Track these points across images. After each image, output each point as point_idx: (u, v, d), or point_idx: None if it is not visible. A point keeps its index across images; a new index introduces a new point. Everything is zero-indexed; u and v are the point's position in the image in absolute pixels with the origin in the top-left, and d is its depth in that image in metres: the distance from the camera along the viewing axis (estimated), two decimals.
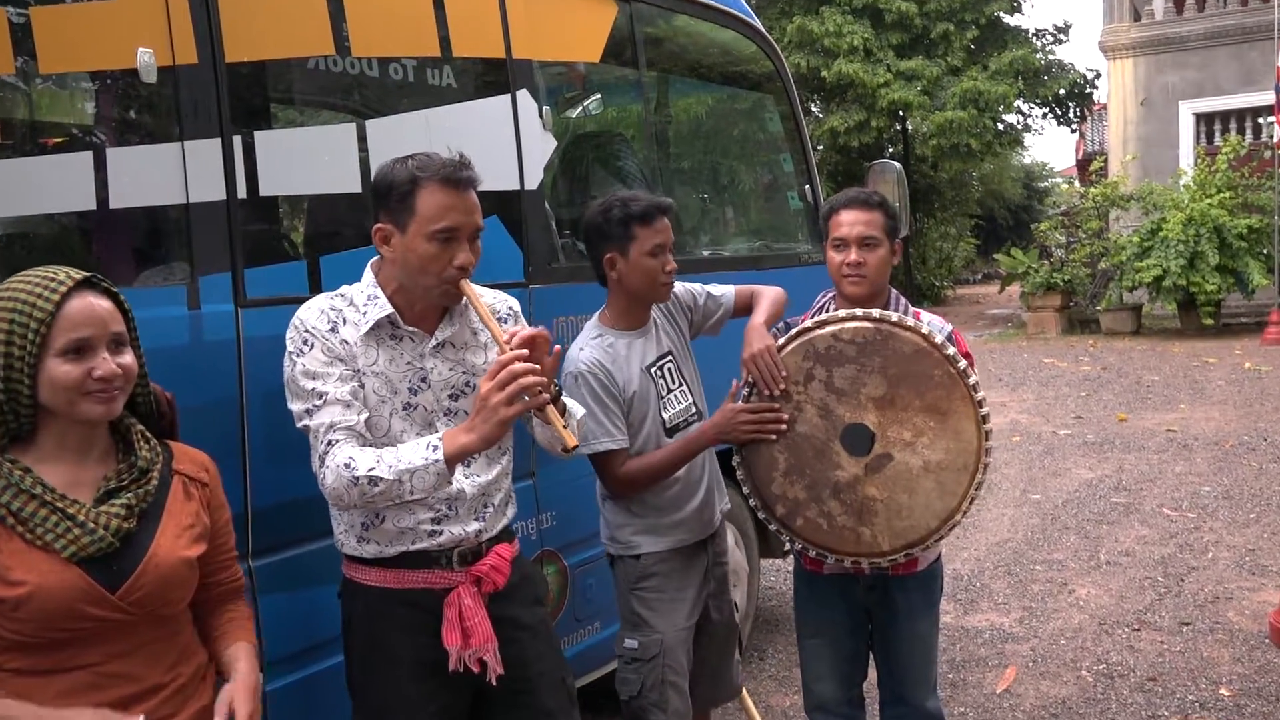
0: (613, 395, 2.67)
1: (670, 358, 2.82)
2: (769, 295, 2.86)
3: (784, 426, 2.57)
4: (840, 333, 2.57)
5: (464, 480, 2.22)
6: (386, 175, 2.15)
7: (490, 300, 2.33)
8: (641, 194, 2.74)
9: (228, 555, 1.99)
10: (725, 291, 2.96)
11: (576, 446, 2.02)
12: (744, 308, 2.87)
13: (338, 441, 2.08)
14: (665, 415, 2.76)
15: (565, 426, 2.02)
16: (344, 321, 2.18)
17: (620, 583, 2.82)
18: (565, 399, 2.30)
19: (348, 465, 2.05)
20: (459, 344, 2.25)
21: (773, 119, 4.88)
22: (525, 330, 2.11)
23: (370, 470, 2.04)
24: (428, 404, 2.20)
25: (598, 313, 2.82)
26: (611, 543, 2.83)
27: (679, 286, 2.90)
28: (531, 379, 2.01)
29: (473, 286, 2.15)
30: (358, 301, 2.20)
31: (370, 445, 2.13)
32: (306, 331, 2.15)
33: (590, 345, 2.72)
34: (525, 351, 2.05)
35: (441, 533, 2.20)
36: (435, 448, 2.05)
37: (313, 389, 2.12)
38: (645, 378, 2.73)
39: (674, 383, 2.81)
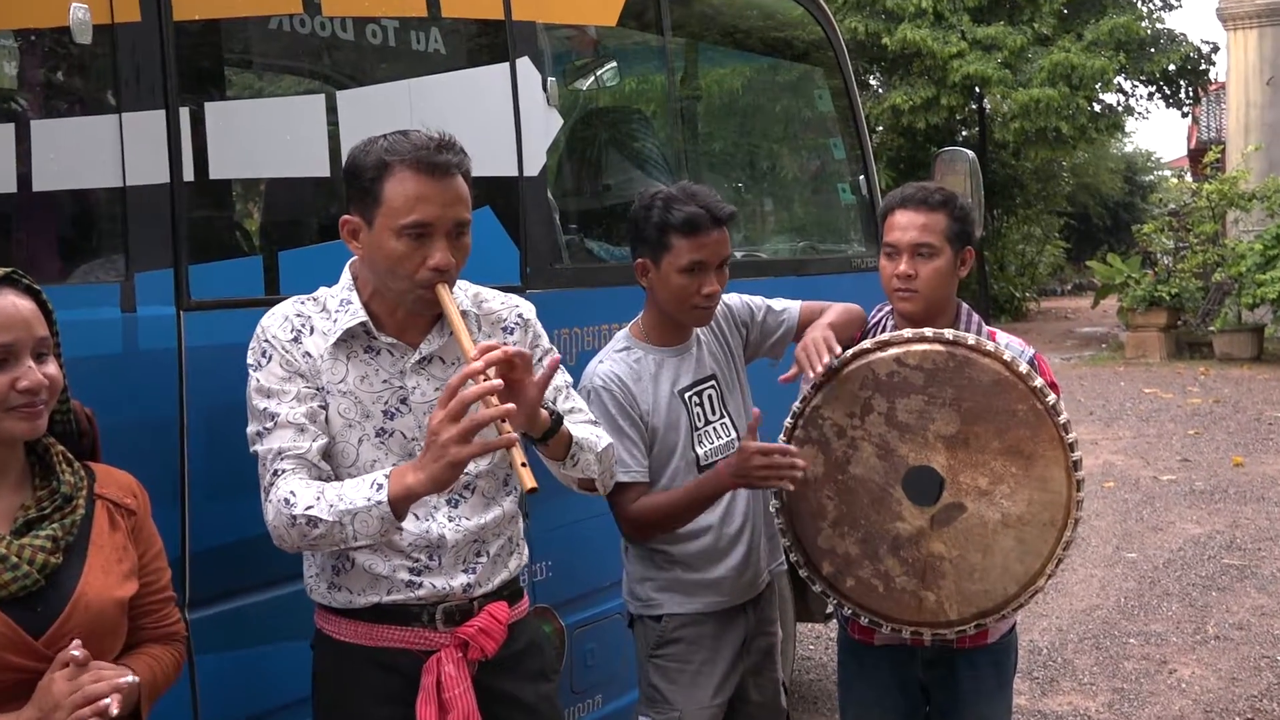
0: (631, 418, 2.67)
1: (712, 384, 2.81)
2: (839, 308, 2.86)
3: (798, 474, 2.54)
4: (905, 356, 2.56)
5: (446, 525, 2.22)
6: (354, 158, 2.17)
7: (496, 306, 2.33)
8: (701, 192, 2.68)
9: (160, 595, 1.99)
10: (789, 306, 2.94)
11: (536, 489, 1.97)
12: (810, 325, 2.83)
13: (283, 472, 2.09)
14: (699, 451, 2.75)
15: (524, 465, 1.97)
16: (310, 330, 2.19)
17: (639, 648, 2.82)
18: (575, 427, 2.29)
19: (287, 501, 2.06)
20: (450, 359, 2.25)
21: (822, 95, 4.89)
22: (496, 350, 2.05)
23: (308, 509, 2.04)
24: (407, 430, 2.20)
25: (631, 322, 2.83)
26: (631, 599, 2.83)
27: (734, 298, 2.88)
28: (489, 411, 1.97)
29: (448, 292, 2.14)
30: (330, 306, 2.21)
31: (326, 477, 2.14)
32: (266, 341, 2.17)
33: (612, 358, 2.73)
34: (479, 367, 1.99)
35: (420, 584, 2.20)
36: (380, 487, 2.04)
37: (265, 409, 2.13)
38: (676, 403, 2.73)
39: (714, 413, 2.80)
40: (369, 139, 2.16)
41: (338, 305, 2.21)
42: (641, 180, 3.94)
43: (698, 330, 2.81)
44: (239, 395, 2.21)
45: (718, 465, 2.68)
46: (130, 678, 1.78)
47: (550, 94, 3.19)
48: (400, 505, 2.04)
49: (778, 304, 2.95)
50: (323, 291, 2.24)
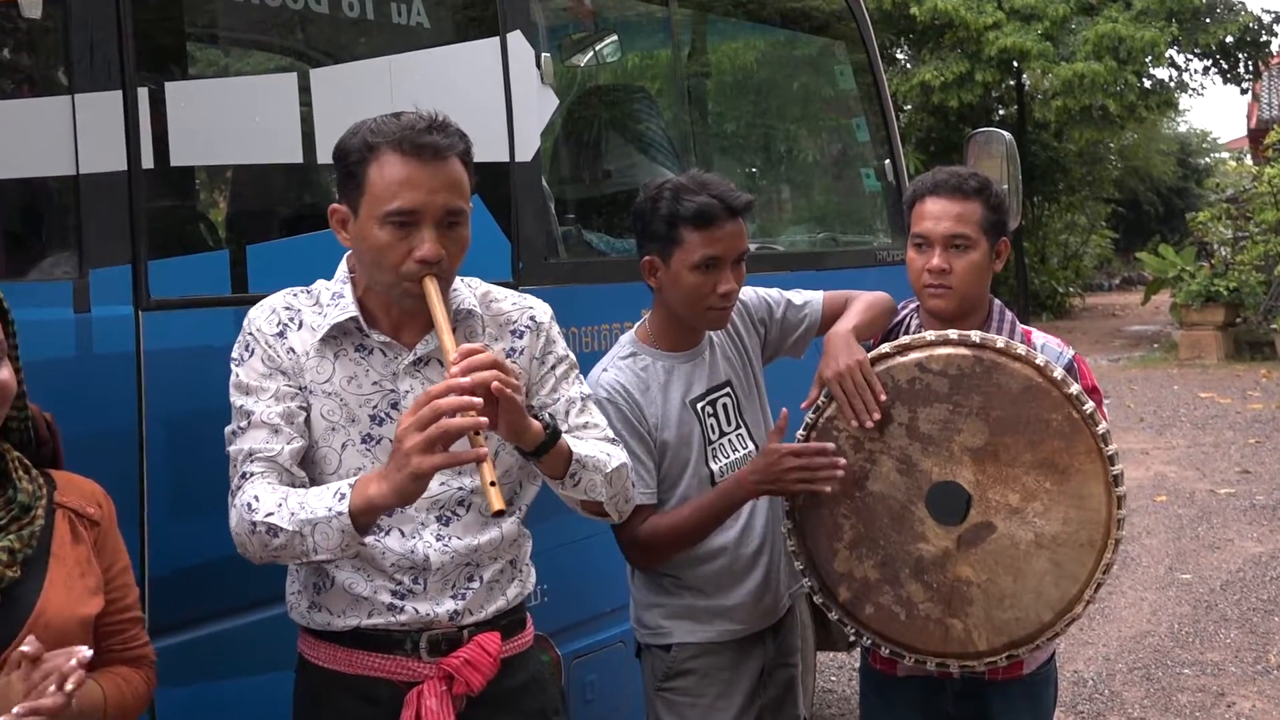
0: (639, 434, 2.66)
1: (727, 391, 2.80)
2: (865, 299, 2.85)
3: (839, 473, 2.56)
4: (928, 361, 2.57)
5: (432, 545, 2.22)
6: (341, 141, 2.19)
7: (507, 307, 2.34)
8: (714, 181, 2.66)
9: (127, 614, 2.00)
10: (810, 299, 2.93)
11: (504, 511, 1.97)
12: (835, 319, 2.82)
13: (251, 475, 2.11)
14: (713, 467, 2.75)
15: (493, 484, 1.96)
16: (299, 325, 2.21)
17: (646, 679, 2.82)
18: (584, 443, 2.27)
19: (250, 506, 2.08)
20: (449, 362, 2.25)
21: (843, 71, 4.90)
22: (482, 354, 2.03)
23: (269, 516, 2.06)
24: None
25: (637, 324, 2.83)
26: (638, 626, 2.83)
27: (750, 293, 2.87)
28: (460, 421, 1.95)
29: (435, 286, 2.13)
30: (323, 300, 2.24)
31: (300, 483, 2.15)
32: (250, 335, 2.20)
33: (617, 366, 2.72)
34: (465, 381, 1.98)
35: (403, 609, 2.21)
36: (342, 496, 2.04)
37: (241, 407, 2.16)
38: (687, 415, 2.73)
39: (729, 424, 2.80)
40: (360, 121, 2.18)
41: (330, 299, 2.23)
42: (645, 165, 3.95)
43: (710, 331, 2.80)
44: (203, 402, 2.23)
45: (737, 472, 2.68)
46: (86, 651, 1.74)
47: (545, 71, 3.20)
48: (362, 518, 2.04)
49: (798, 297, 2.94)
50: (319, 284, 2.26)
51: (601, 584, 3.23)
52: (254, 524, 2.07)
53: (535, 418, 2.15)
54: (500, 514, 1.97)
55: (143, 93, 2.34)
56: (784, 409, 2.66)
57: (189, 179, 2.69)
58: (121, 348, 2.31)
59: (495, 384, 2.01)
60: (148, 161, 2.36)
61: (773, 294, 2.93)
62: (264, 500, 2.08)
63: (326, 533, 2.04)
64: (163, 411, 2.34)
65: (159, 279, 2.37)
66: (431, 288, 2.12)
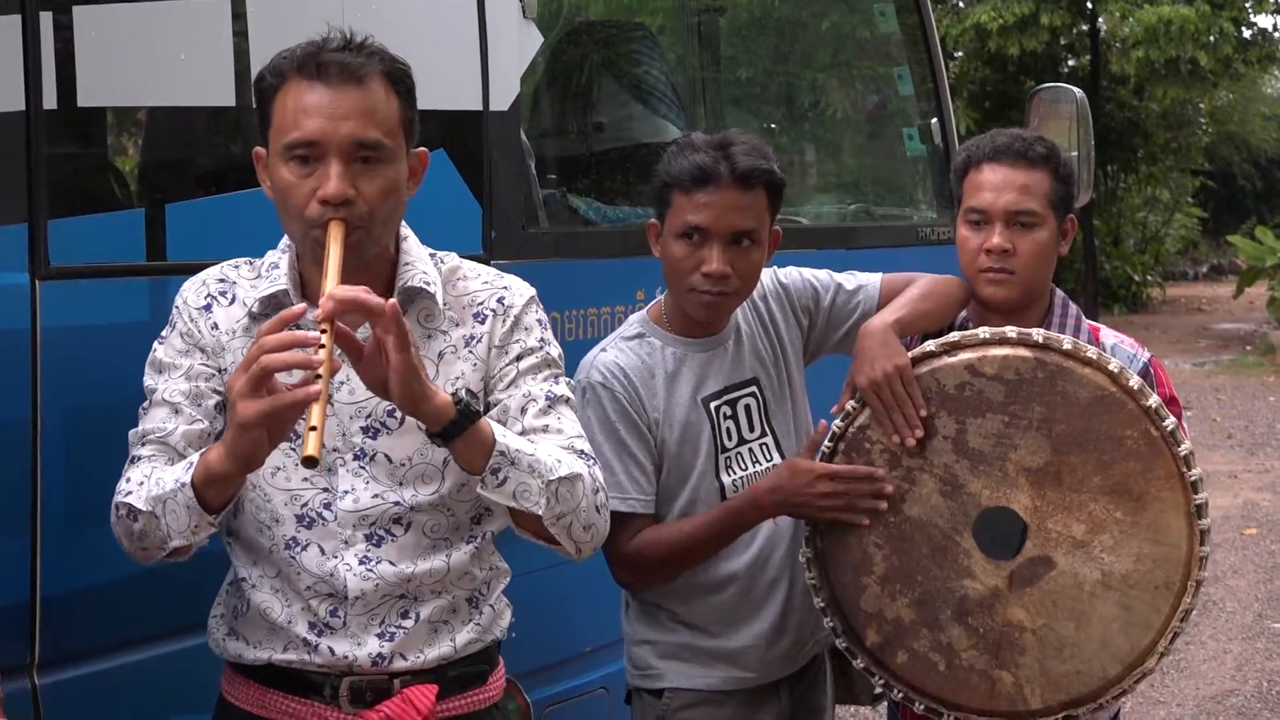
0: (637, 429, 2.67)
1: (753, 391, 2.80)
2: (923, 283, 2.84)
3: (883, 506, 2.58)
4: (980, 363, 2.58)
5: (353, 569, 2.21)
6: (258, 73, 2.23)
7: (475, 287, 2.32)
8: (737, 142, 2.64)
9: None
10: (865, 283, 2.90)
11: (315, 459, 1.89)
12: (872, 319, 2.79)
13: (139, 460, 2.15)
14: (726, 479, 2.74)
15: (314, 429, 1.89)
16: (230, 299, 2.24)
17: None
18: (528, 443, 2.18)
19: (120, 490, 2.12)
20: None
21: (884, 11, 4.91)
22: (350, 294, 1.97)
23: (127, 496, 2.09)
24: (327, 435, 2.19)
25: (651, 303, 2.84)
26: (629, 666, 2.84)
27: (793, 274, 2.88)
28: (286, 356, 1.93)
29: (339, 233, 2.08)
30: (264, 270, 2.27)
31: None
32: (176, 308, 2.26)
33: (618, 346, 2.73)
34: (297, 309, 2.00)
35: (317, 647, 2.22)
36: (190, 465, 2.07)
37: (149, 386, 2.20)
38: (697, 413, 2.73)
39: (752, 430, 2.79)
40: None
41: (267, 268, 2.26)
42: (644, 117, 3.96)
43: (739, 316, 2.79)
44: (111, 389, 2.24)
45: (751, 486, 2.69)
46: None
47: (527, 3, 3.20)
48: (207, 491, 2.04)
49: (850, 280, 2.91)
50: (270, 253, 2.29)
51: (582, 618, 3.25)
52: (117, 507, 2.11)
53: (453, 396, 2.08)
54: (310, 462, 1.90)
55: (45, 18, 2.34)
56: (823, 422, 2.66)
57: (99, 123, 2.69)
58: (14, 323, 2.31)
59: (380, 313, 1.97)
60: (50, 101, 2.36)
61: (820, 276, 2.91)
62: (131, 481, 2.11)
63: (175, 510, 2.06)
64: (62, 399, 2.35)
65: (60, 242, 2.37)
66: (335, 232, 2.09)
